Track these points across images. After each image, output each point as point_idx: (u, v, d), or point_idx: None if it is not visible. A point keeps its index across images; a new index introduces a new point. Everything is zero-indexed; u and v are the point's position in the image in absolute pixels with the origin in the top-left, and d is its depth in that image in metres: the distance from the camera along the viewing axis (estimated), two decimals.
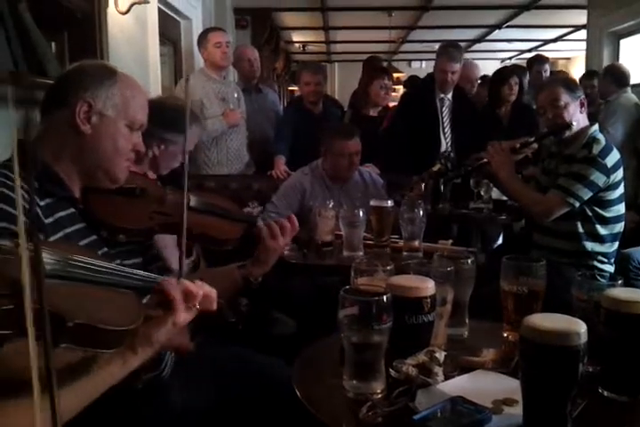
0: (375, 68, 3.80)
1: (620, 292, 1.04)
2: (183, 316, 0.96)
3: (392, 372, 1.04)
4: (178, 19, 4.58)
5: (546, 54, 6.20)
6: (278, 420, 1.32)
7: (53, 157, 1.22)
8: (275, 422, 1.34)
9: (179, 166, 1.86)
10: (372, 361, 1.01)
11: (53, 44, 2.43)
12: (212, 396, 1.38)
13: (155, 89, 3.56)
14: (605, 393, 1.04)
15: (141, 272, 0.99)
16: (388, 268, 1.26)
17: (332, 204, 2.23)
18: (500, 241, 3.60)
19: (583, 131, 2.30)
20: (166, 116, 1.71)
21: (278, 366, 1.45)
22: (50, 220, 1.14)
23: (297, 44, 10.75)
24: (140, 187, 1.36)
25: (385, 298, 1.00)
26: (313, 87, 3.67)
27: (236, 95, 3.62)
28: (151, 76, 3.52)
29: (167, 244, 1.57)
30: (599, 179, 2.18)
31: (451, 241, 2.30)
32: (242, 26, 6.18)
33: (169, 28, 4.38)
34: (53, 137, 1.23)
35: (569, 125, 2.26)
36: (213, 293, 1.03)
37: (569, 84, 2.35)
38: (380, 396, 1.01)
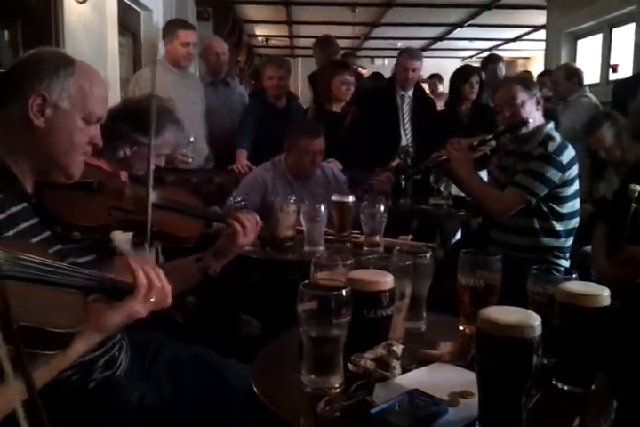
0: (336, 64, 3.79)
1: (574, 285, 1.06)
2: (139, 307, 0.95)
3: (350, 366, 1.04)
4: (138, 9, 4.48)
5: (506, 53, 6.34)
6: (236, 419, 1.31)
7: (5, 150, 1.17)
8: (232, 422, 1.33)
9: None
10: (331, 356, 1.01)
11: (6, 32, 2.34)
12: (168, 396, 1.36)
13: (113, 80, 3.47)
14: (560, 385, 1.06)
15: (91, 271, 0.97)
16: (348, 262, 1.26)
17: (293, 199, 2.21)
18: (458, 236, 3.65)
19: (539, 128, 2.34)
20: (140, 118, 1.67)
21: (237, 366, 1.43)
22: (2, 215, 1.10)
23: (260, 38, 10.69)
24: (98, 181, 1.31)
25: (344, 292, 1.00)
26: (276, 81, 3.64)
27: (196, 90, 3.55)
28: (109, 67, 3.44)
29: (121, 239, 1.53)
30: (555, 175, 2.23)
31: (410, 236, 2.32)
32: (204, 18, 6.08)
33: (129, 19, 4.28)
34: (5, 130, 1.17)
35: (525, 123, 2.30)
36: (168, 287, 1.01)
37: (525, 82, 2.39)
38: (338, 390, 1.01)
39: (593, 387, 1.05)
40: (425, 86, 5.03)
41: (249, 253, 2.06)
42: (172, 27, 3.56)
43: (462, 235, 3.64)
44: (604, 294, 1.03)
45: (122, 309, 1.00)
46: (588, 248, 2.82)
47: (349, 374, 1.04)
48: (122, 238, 1.56)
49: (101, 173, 1.43)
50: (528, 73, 6.03)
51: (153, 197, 1.28)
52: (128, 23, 4.28)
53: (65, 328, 0.82)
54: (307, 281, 1.05)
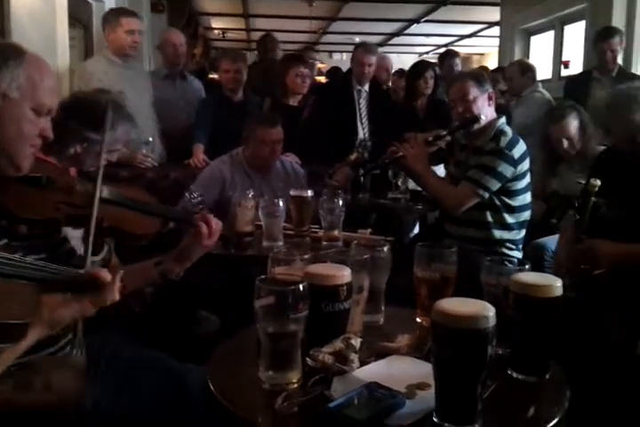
0: (290, 57, 3.77)
1: (527, 276, 1.08)
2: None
3: (308, 361, 1.04)
4: (90, 0, 4.36)
5: (461, 50, 6.43)
6: (195, 421, 1.29)
7: None
8: (192, 424, 1.31)
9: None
10: (288, 351, 1.00)
11: None
12: (125, 399, 1.32)
13: (63, 73, 3.36)
14: (514, 375, 1.07)
15: (41, 263, 0.95)
16: (306, 257, 1.25)
17: (252, 193, 2.19)
18: (416, 230, 3.69)
19: (491, 123, 2.38)
20: (90, 114, 1.62)
21: (197, 375, 1.40)
22: None
23: (216, 31, 10.56)
24: (47, 176, 1.27)
25: (301, 287, 0.99)
26: (232, 75, 3.59)
27: (142, 82, 3.47)
28: (59, 59, 3.33)
29: (73, 236, 1.49)
30: (507, 170, 2.27)
31: (369, 230, 2.33)
32: (158, 10, 5.96)
33: (80, 10, 4.15)
34: None
35: (477, 119, 2.34)
36: (118, 284, 0.99)
37: (478, 78, 2.42)
38: (296, 386, 1.00)
39: (547, 376, 1.07)
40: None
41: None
42: (114, 15, 3.41)
43: (420, 228, 3.67)
44: (556, 285, 1.05)
45: (73, 303, 0.97)
46: (541, 240, 2.90)
47: (308, 368, 1.03)
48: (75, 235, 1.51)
49: (51, 168, 1.38)
50: (485, 68, 6.12)
51: (105, 192, 1.24)
52: (79, 15, 4.15)
53: (18, 319, 0.80)
54: (263, 276, 1.03)
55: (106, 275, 1.00)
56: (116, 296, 1.01)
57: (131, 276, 1.24)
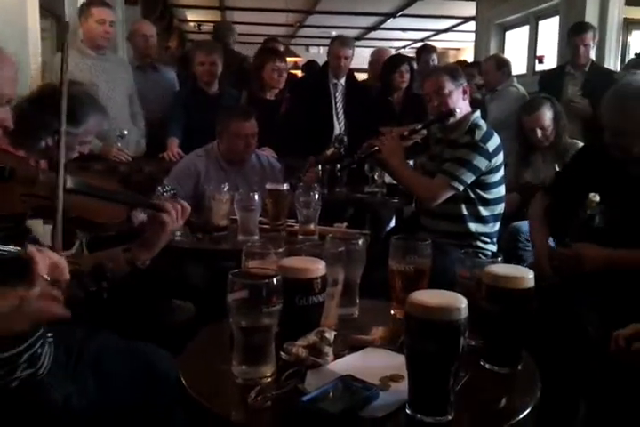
0: (266, 51, 3.75)
1: (500, 268, 1.09)
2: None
3: (282, 354, 1.03)
4: None
5: (438, 44, 6.43)
6: (165, 413, 1.28)
7: None
8: (164, 418, 1.30)
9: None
10: (262, 345, 0.99)
11: None
12: (95, 394, 1.30)
13: (34, 65, 3.29)
14: (487, 366, 1.08)
15: None
16: (280, 250, 1.25)
17: (227, 187, 2.17)
18: (392, 224, 3.71)
19: (466, 117, 2.40)
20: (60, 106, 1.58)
21: (167, 359, 1.39)
22: None
23: (192, 24, 10.44)
24: (10, 167, 1.24)
25: (275, 280, 0.98)
26: (208, 67, 3.56)
27: (118, 74, 3.41)
28: (31, 51, 3.24)
29: (40, 232, 1.46)
30: (481, 163, 2.29)
31: (345, 224, 2.33)
32: (131, 1, 5.86)
33: (51, 1, 4.06)
34: None
35: (452, 112, 2.35)
36: (62, 261, 0.96)
37: (452, 72, 2.43)
38: (269, 380, 0.99)
39: (519, 367, 1.08)
40: None
41: (181, 243, 2.01)
42: (86, 5, 3.37)
43: (396, 222, 3.69)
44: (528, 276, 1.06)
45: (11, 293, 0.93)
46: (515, 224, 2.93)
47: (282, 362, 1.03)
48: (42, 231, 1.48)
49: (12, 159, 1.35)
50: (464, 62, 6.13)
51: (68, 182, 1.21)
52: (51, 5, 4.06)
53: None
54: (237, 270, 1.02)
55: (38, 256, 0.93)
56: (65, 275, 0.97)
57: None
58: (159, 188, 2.18)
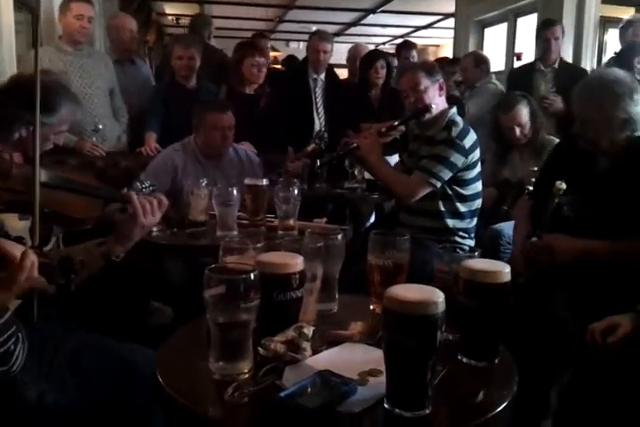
0: (245, 45, 3.71)
1: (477, 263, 1.09)
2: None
3: (260, 350, 1.02)
4: None
5: (417, 41, 6.44)
6: (142, 412, 1.27)
7: None
8: (142, 416, 1.28)
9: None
10: (239, 341, 0.98)
11: None
12: (71, 391, 1.29)
13: (9, 59, 3.22)
14: (465, 360, 1.09)
15: None
16: (259, 245, 1.25)
17: (205, 182, 2.15)
18: (372, 219, 3.71)
19: (442, 113, 2.41)
20: (32, 97, 1.54)
21: (144, 356, 1.38)
22: None
23: (170, 17, 10.32)
24: None
25: (252, 275, 0.97)
26: (186, 62, 3.52)
27: (100, 69, 3.36)
28: (4, 44, 3.18)
29: (17, 228, 1.43)
30: (458, 159, 2.30)
31: (325, 219, 2.32)
32: None
33: None
34: None
35: (429, 108, 2.36)
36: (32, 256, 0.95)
37: (428, 68, 2.44)
38: (247, 376, 0.98)
39: (496, 361, 1.09)
40: None
41: (159, 239, 1.99)
42: (66, 0, 3.34)
43: (376, 217, 3.70)
44: (504, 271, 1.06)
45: None
46: (496, 226, 2.95)
47: (259, 358, 1.02)
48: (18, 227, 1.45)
49: None
50: (444, 59, 6.13)
51: (43, 176, 1.19)
52: None
53: None
54: (213, 265, 1.01)
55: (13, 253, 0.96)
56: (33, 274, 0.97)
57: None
58: (138, 183, 2.15)
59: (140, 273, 2.06)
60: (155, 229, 1.94)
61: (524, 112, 3.12)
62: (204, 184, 2.10)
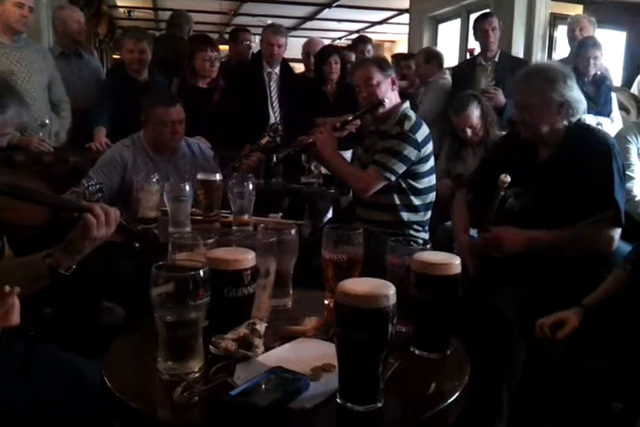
0: (197, 39, 3.65)
1: (428, 255, 1.10)
2: None
3: (211, 348, 1.01)
4: None
5: (373, 36, 6.45)
6: (97, 419, 1.23)
7: None
8: (93, 422, 1.24)
9: None
10: (189, 339, 0.96)
11: None
12: (21, 398, 1.23)
13: None
14: (417, 352, 1.09)
15: None
16: (209, 241, 1.22)
17: (156, 177, 2.09)
18: (330, 215, 3.71)
19: (395, 108, 2.42)
20: None
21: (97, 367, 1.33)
22: None
23: (122, 9, 10.07)
24: None
25: (201, 272, 0.95)
26: (137, 55, 3.44)
27: (39, 62, 3.23)
28: None
29: None
30: (411, 153, 2.32)
31: (280, 214, 2.31)
32: None
33: None
34: None
35: (382, 103, 2.37)
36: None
37: (380, 63, 2.46)
38: (197, 375, 0.96)
39: (448, 352, 1.10)
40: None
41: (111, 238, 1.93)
42: None
43: (333, 213, 3.70)
44: (455, 263, 1.07)
45: None
46: (449, 223, 2.99)
47: (211, 357, 1.00)
48: None
49: None
50: (400, 55, 6.16)
51: None
52: None
53: None
54: (160, 262, 0.98)
55: None
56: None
57: (15, 269, 1.15)
58: (84, 181, 2.08)
59: (89, 272, 2.00)
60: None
61: (475, 113, 3.19)
62: (154, 180, 2.05)
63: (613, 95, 3.71)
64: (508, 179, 1.87)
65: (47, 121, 3.07)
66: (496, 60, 4.03)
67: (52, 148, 3.04)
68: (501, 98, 3.70)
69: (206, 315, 0.99)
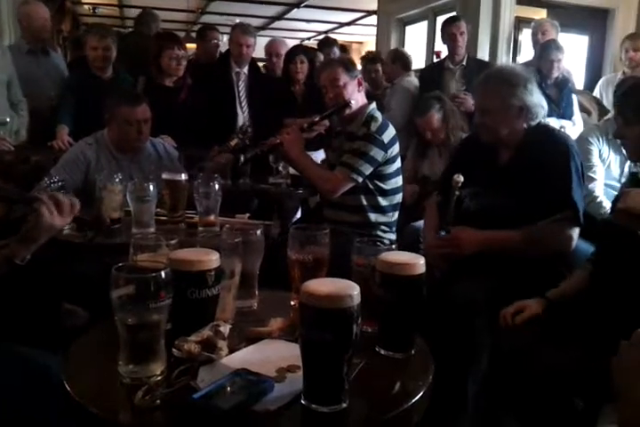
0: (164, 37, 3.60)
1: (392, 255, 1.10)
2: None
3: (174, 351, 0.99)
4: None
5: (341, 37, 6.49)
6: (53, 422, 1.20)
7: None
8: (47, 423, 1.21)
9: None
10: (150, 342, 0.94)
11: None
12: None
13: None
14: (382, 352, 1.09)
15: None
16: (172, 242, 1.20)
17: (119, 177, 2.05)
18: (298, 215, 3.71)
19: (362, 109, 2.42)
20: None
21: (50, 361, 1.30)
22: None
23: (86, 6, 9.89)
24: None
25: (163, 273, 0.93)
26: (101, 52, 3.39)
27: None
28: None
29: None
30: (378, 154, 2.33)
31: (248, 215, 2.29)
32: None
33: None
34: None
35: (348, 104, 2.37)
36: None
37: (347, 64, 2.46)
38: (159, 378, 0.94)
39: (413, 352, 1.10)
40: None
41: (70, 237, 1.89)
42: None
43: (302, 213, 3.69)
44: (419, 263, 1.07)
45: None
46: (416, 223, 3.02)
47: (174, 360, 0.98)
48: None
49: None
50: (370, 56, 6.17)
51: None
52: None
53: None
54: (120, 264, 0.96)
55: None
56: None
57: None
58: (45, 179, 2.03)
59: (51, 274, 1.95)
60: (66, 227, 1.84)
61: (435, 117, 3.25)
62: (117, 179, 2.01)
63: (574, 98, 3.79)
64: (461, 179, 1.90)
65: (8, 119, 2.99)
66: (464, 63, 4.07)
67: (12, 146, 2.96)
68: (471, 103, 3.75)
69: (169, 317, 0.98)
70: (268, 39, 4.90)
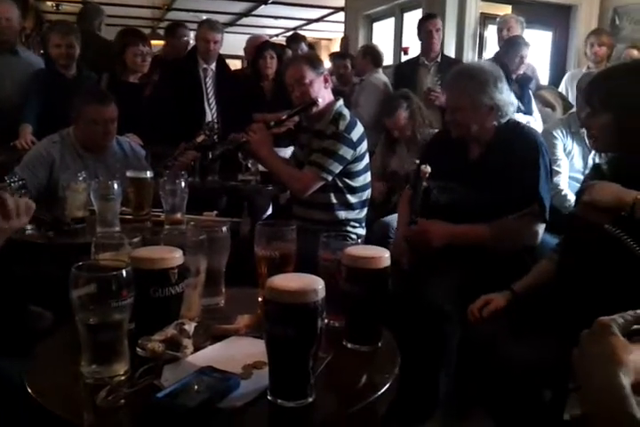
0: (128, 33, 3.54)
1: (357, 249, 1.10)
2: None
3: (138, 350, 0.97)
4: None
5: (310, 34, 6.48)
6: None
7: None
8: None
9: None
10: (113, 342, 0.93)
11: None
12: None
13: None
14: (349, 345, 1.10)
15: None
16: (135, 240, 1.18)
17: (83, 175, 2.02)
18: (269, 212, 3.69)
19: (329, 106, 2.40)
20: None
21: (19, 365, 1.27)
22: None
23: (49, 3, 9.67)
24: None
25: (124, 272, 0.92)
26: (64, 50, 3.31)
27: None
28: None
29: None
30: (347, 153, 2.32)
31: (215, 212, 2.27)
32: None
33: None
34: None
35: (315, 102, 2.35)
36: None
37: (312, 61, 2.43)
38: (122, 378, 0.93)
39: (379, 344, 1.11)
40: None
41: (32, 238, 1.85)
42: None
43: (273, 210, 3.68)
44: (384, 256, 1.08)
45: None
46: (385, 218, 3.04)
47: (138, 359, 0.97)
48: None
49: None
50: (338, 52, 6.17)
51: None
52: None
53: None
54: (80, 263, 0.94)
55: None
56: None
57: None
58: (6, 178, 1.98)
59: (14, 276, 1.91)
60: (28, 227, 1.80)
61: (402, 116, 3.30)
62: (81, 178, 1.97)
63: (531, 95, 3.86)
64: (429, 169, 1.92)
65: None
66: (438, 60, 4.13)
67: None
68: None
69: (132, 316, 0.96)
70: (235, 36, 4.88)
